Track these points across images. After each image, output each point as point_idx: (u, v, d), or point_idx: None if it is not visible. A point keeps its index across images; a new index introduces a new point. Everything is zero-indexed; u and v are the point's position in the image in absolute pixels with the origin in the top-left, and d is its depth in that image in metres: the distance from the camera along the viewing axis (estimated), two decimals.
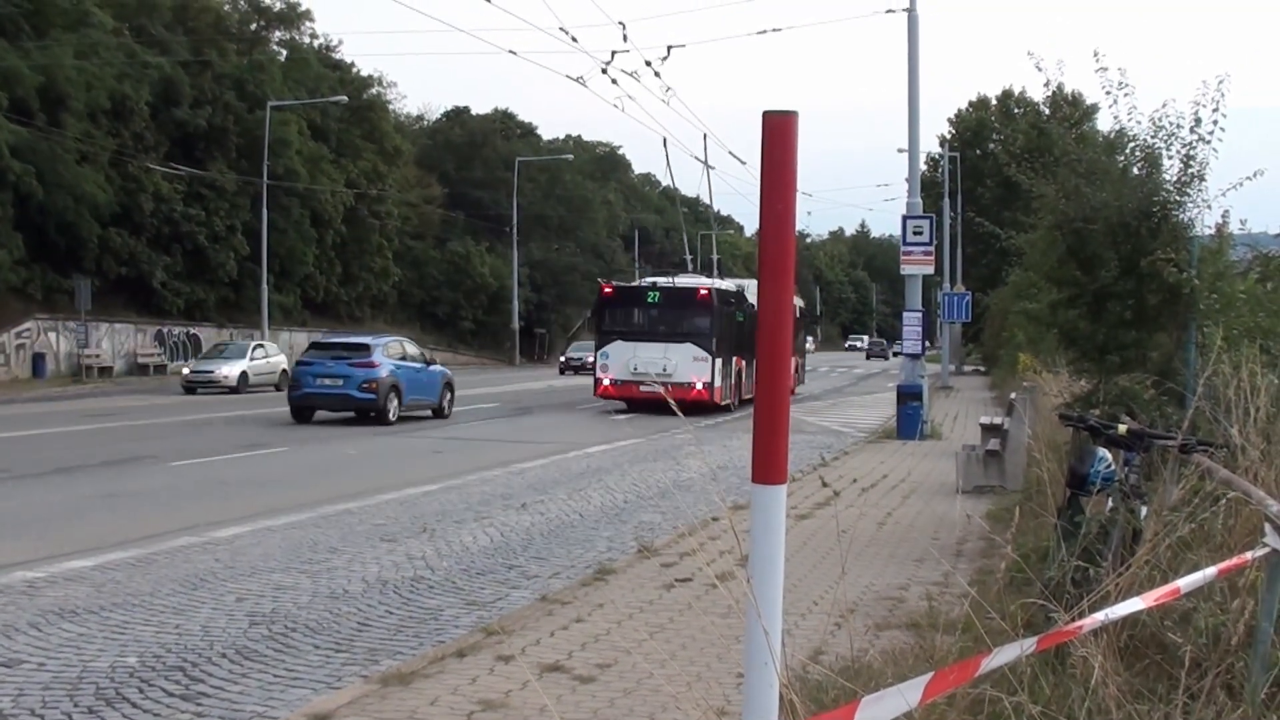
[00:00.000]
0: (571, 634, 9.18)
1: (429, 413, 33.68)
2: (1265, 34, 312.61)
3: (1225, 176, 12.96)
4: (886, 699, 3.46)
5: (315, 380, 31.67)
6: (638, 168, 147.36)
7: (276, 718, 7.54)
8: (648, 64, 32.21)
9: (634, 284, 46.12)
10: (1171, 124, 12.90)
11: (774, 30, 43.82)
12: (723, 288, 42.02)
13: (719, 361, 37.53)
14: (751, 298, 38.97)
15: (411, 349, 35.31)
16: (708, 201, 64.08)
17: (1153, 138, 13.11)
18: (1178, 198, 12.88)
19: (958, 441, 23.35)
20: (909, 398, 28.55)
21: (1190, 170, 12.81)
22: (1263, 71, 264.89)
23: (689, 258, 57.30)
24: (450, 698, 7.52)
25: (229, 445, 24.50)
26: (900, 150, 36.80)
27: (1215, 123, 12.64)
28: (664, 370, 36.98)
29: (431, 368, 34.83)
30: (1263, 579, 5.67)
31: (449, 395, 34.94)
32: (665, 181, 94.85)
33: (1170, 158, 12.99)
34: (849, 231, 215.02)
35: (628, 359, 37.73)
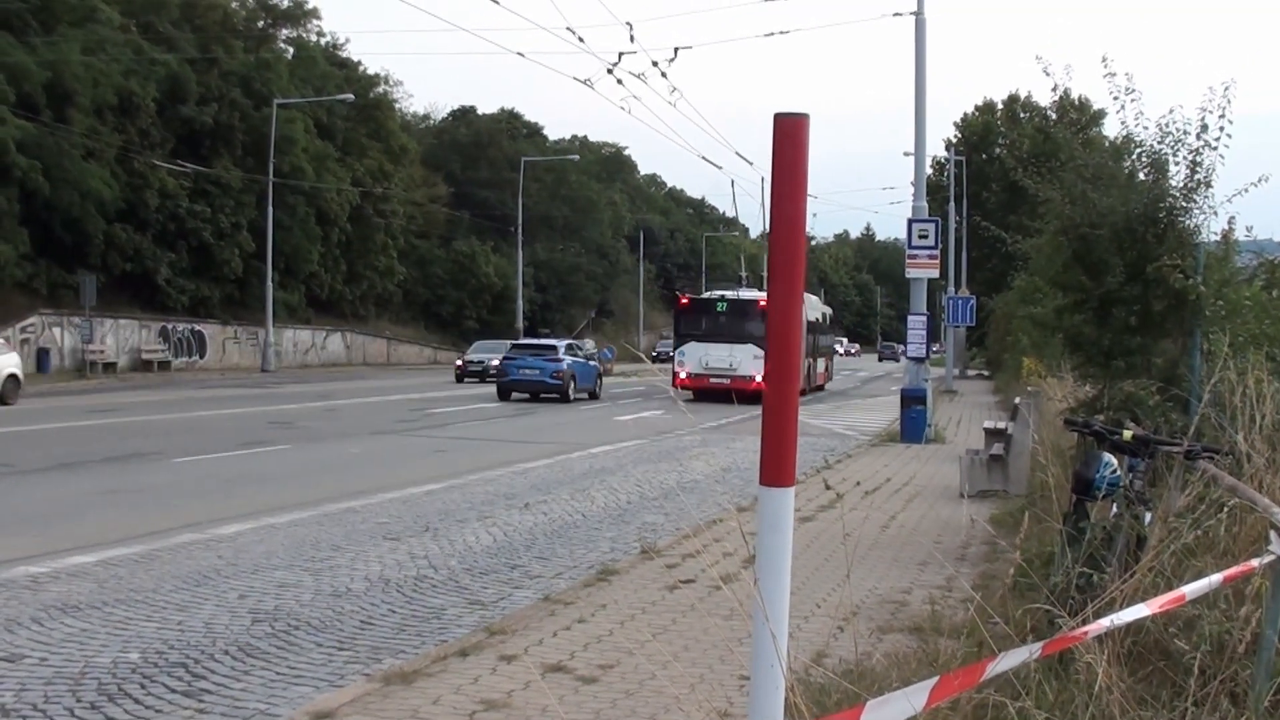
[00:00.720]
0: (574, 634, 9.18)
1: (586, 395, 45.22)
2: (1272, 39, 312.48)
3: (1231, 183, 12.94)
4: (892, 703, 3.46)
5: (518, 370, 43.46)
6: (643, 168, 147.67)
7: (279, 715, 7.53)
8: (655, 65, 32.15)
9: (705, 295, 53.43)
10: (1178, 130, 12.88)
11: (781, 32, 43.96)
12: (763, 299, 44.27)
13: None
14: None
15: (584, 348, 48.00)
16: (733, 214, 69.88)
17: (1159, 143, 13.08)
18: (1184, 204, 12.85)
19: (961, 445, 23.33)
20: (913, 401, 28.56)
21: (1197, 176, 12.78)
22: (1269, 77, 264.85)
23: (744, 275, 77.08)
24: (453, 697, 7.53)
25: (232, 442, 24.49)
26: (906, 154, 36.58)
27: (1222, 129, 12.60)
28: (729, 366, 45.08)
29: (590, 362, 46.44)
30: (1268, 587, 5.66)
31: (600, 382, 47.09)
32: (728, 212, 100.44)
33: (1177, 163, 12.95)
34: (854, 234, 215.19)
35: (700, 356, 45.82)
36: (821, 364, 58.72)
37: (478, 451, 24.79)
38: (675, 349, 46.98)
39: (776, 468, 3.49)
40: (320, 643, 9.39)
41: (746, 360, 44.30)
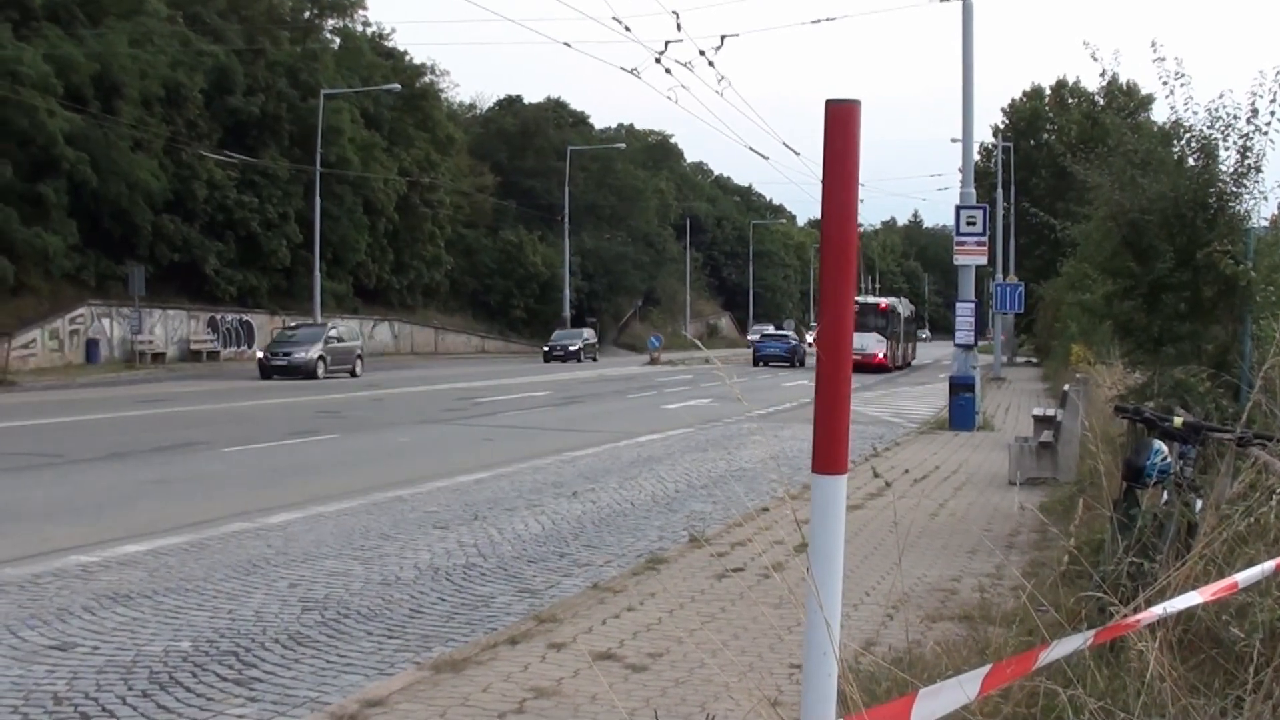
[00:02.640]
0: (623, 622, 9.18)
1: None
2: None
3: None
4: (944, 691, 3.45)
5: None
6: (690, 156, 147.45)
7: (329, 703, 7.53)
8: (702, 54, 32.15)
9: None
10: (1228, 114, 12.80)
11: (828, 19, 43.63)
12: (889, 301, 78.17)
13: (889, 343, 71.51)
14: (900, 309, 79.50)
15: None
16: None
17: (1209, 128, 13.00)
18: (1234, 189, 12.78)
19: (1010, 433, 23.23)
20: (961, 389, 28.42)
21: (1247, 161, 12.70)
22: None
23: (875, 285, 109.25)
24: (502, 684, 7.54)
25: (281, 432, 24.64)
26: (954, 140, 36.51)
27: (1273, 113, 12.50)
28: (861, 348, 62.37)
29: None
30: None
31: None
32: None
33: (1227, 149, 12.88)
34: (902, 221, 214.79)
35: None
36: (911, 347, 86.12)
37: (525, 440, 24.84)
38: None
39: (829, 455, 3.48)
40: (370, 631, 9.42)
41: (871, 343, 67.13)
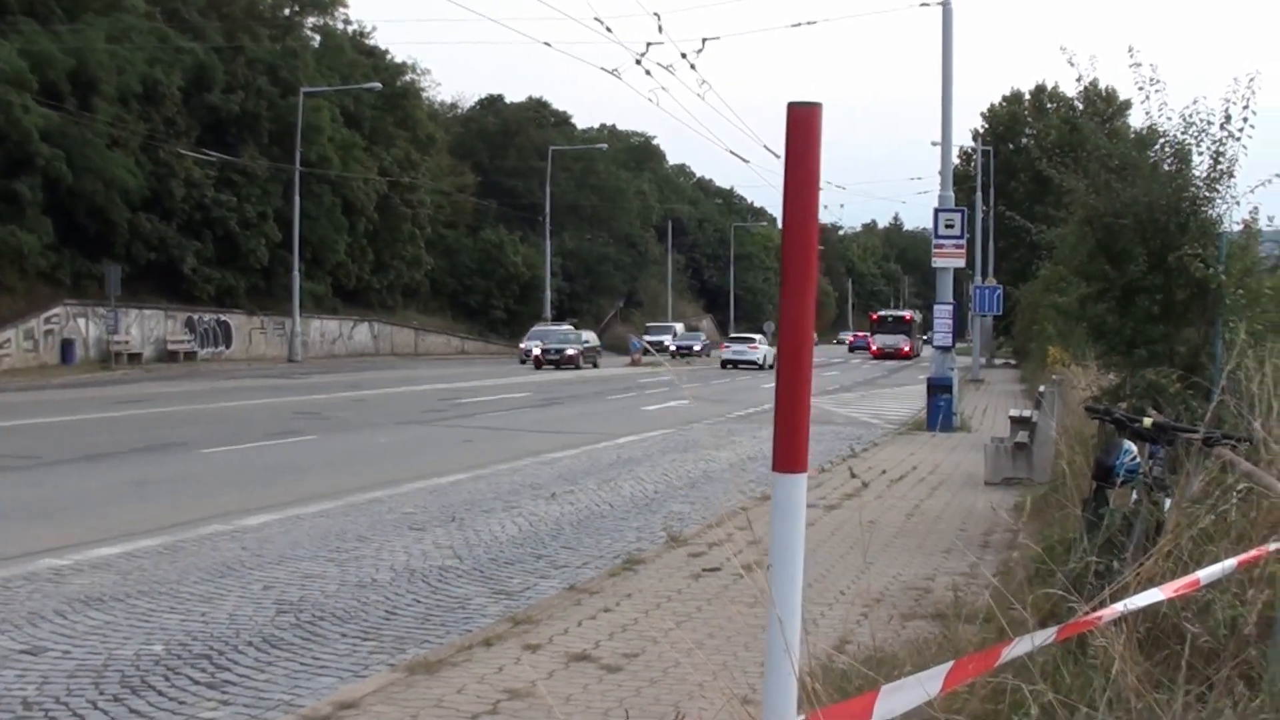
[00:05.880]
0: (599, 623, 9.21)
1: None
2: None
3: (1255, 174, 12.94)
4: (906, 688, 3.49)
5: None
6: (672, 158, 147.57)
7: (302, 706, 7.54)
8: (683, 56, 32.46)
9: (883, 312, 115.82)
10: (1202, 120, 12.87)
11: (809, 23, 43.66)
12: (911, 313, 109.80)
13: (913, 340, 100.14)
14: (916, 317, 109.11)
15: None
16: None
17: (1183, 134, 13.08)
18: (1207, 194, 12.85)
19: (987, 434, 23.31)
20: (939, 390, 28.54)
21: (1220, 167, 12.77)
22: None
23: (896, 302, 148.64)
24: (477, 686, 7.56)
25: (259, 433, 24.57)
26: (934, 144, 36.89)
27: (1245, 120, 12.59)
28: (896, 345, 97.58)
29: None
30: None
31: None
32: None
33: (1200, 154, 12.96)
34: (882, 224, 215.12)
35: (881, 340, 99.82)
36: (921, 343, 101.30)
37: (505, 441, 24.84)
38: (872, 334, 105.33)
39: (789, 454, 3.51)
40: (345, 633, 9.42)
41: (902, 341, 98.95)
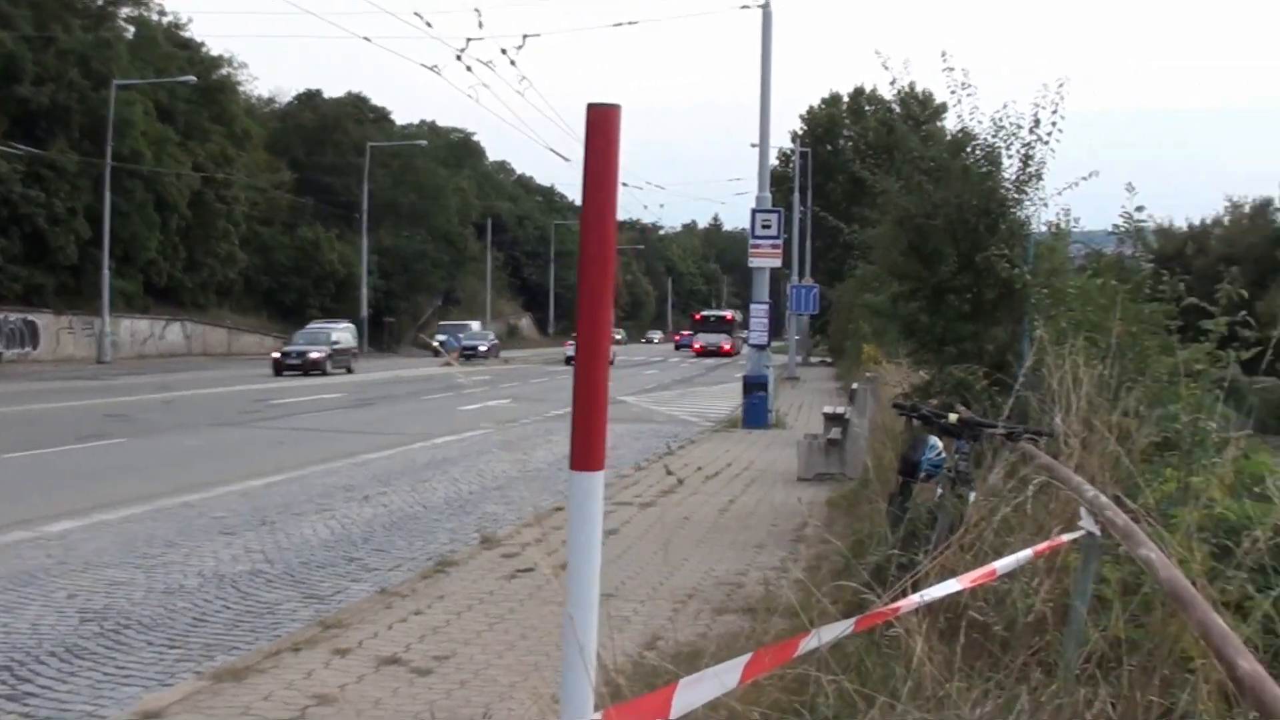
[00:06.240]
0: (410, 626, 9.14)
1: None
2: (1108, 40, 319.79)
3: (1065, 176, 13.26)
4: (704, 681, 3.48)
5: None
6: (493, 154, 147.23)
7: (105, 716, 7.39)
8: (503, 53, 32.25)
9: (706, 312, 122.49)
10: (1012, 124, 13.17)
11: (630, 23, 43.93)
12: (732, 313, 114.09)
13: (733, 339, 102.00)
14: (736, 317, 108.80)
15: None
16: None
17: (993, 137, 13.37)
18: (1016, 195, 13.15)
19: (802, 430, 23.58)
20: (755, 388, 28.90)
21: (1028, 169, 13.08)
22: (1104, 76, 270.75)
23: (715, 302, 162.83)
24: (284, 692, 7.46)
25: (67, 436, 23.92)
26: (753, 145, 37.16)
27: (1054, 124, 12.91)
28: (717, 343, 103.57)
29: None
30: (1077, 560, 5.82)
31: None
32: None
33: (1010, 157, 13.26)
34: (702, 224, 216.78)
35: (705, 339, 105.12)
36: (741, 342, 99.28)
37: (319, 442, 24.56)
38: (694, 334, 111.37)
39: (586, 452, 3.50)
40: (151, 641, 9.23)
41: (723, 339, 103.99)
